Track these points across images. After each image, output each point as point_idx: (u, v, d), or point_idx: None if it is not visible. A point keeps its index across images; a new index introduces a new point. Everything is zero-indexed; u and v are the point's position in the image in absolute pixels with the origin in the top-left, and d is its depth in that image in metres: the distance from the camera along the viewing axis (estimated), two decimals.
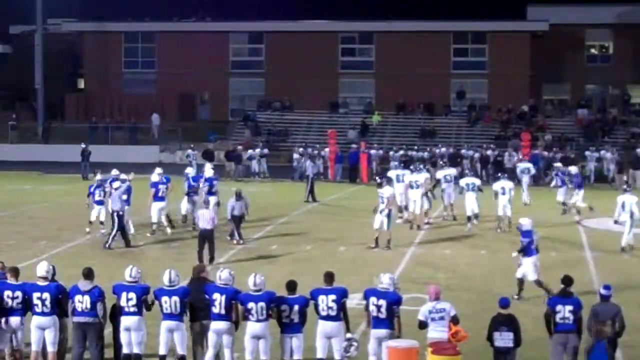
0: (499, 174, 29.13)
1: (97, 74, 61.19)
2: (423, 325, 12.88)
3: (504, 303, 12.67)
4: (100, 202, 25.41)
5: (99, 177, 26.14)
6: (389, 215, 23.69)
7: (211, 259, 21.15)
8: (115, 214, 23.33)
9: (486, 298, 18.05)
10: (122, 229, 23.43)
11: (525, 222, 18.73)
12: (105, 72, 60.75)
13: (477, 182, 27.56)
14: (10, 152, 50.70)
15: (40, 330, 13.11)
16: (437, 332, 12.75)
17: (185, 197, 26.77)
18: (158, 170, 26.03)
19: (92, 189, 25.72)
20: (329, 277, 13.29)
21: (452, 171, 29.93)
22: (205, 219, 21.46)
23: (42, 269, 13.37)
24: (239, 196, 24.38)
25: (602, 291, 13.07)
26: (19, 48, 64.84)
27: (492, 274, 21.08)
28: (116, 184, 24.31)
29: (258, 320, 12.92)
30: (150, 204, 25.45)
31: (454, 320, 12.72)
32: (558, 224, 27.84)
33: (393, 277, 13.27)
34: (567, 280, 13.11)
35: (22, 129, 54.79)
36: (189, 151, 43.92)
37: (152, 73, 61.68)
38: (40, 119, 56.12)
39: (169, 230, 25.47)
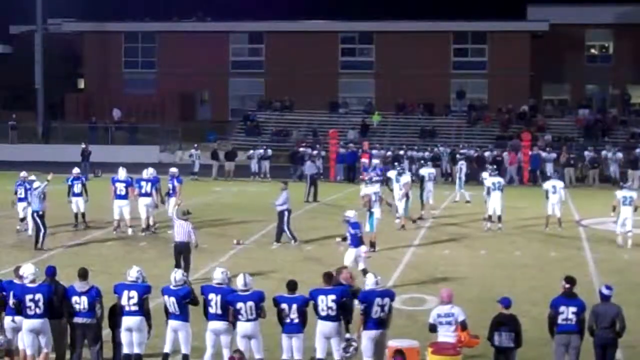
0: (550, 174, 29.59)
1: (97, 74, 61.21)
2: (433, 328, 12.71)
3: (506, 303, 12.63)
4: (22, 199, 25.56)
5: (23, 174, 26.22)
6: (371, 216, 23.49)
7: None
8: (34, 214, 23.24)
9: (486, 298, 18.04)
10: (39, 228, 23.18)
11: (352, 214, 19.26)
12: (105, 72, 60.76)
13: (503, 181, 27.47)
14: (10, 152, 50.64)
15: (32, 333, 12.99)
16: (445, 337, 12.54)
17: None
18: (122, 170, 26.05)
19: (16, 186, 25.89)
20: (328, 277, 13.29)
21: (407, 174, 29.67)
22: (182, 230, 19.36)
23: (29, 271, 13.20)
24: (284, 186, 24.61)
25: (604, 291, 13.03)
26: (19, 48, 64.83)
27: (491, 274, 21.09)
28: (35, 184, 24.06)
29: (247, 320, 12.92)
30: (112, 200, 25.59)
31: (463, 325, 12.51)
32: (556, 224, 27.78)
33: (377, 277, 13.25)
34: (571, 280, 13.02)
35: (22, 129, 54.77)
36: (192, 151, 43.80)
37: (152, 73, 61.69)
38: (40, 119, 56.12)
39: (129, 230, 25.47)
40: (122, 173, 25.83)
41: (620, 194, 24.58)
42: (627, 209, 24.20)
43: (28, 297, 12.91)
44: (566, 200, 27.85)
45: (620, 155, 42.26)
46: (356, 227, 19.11)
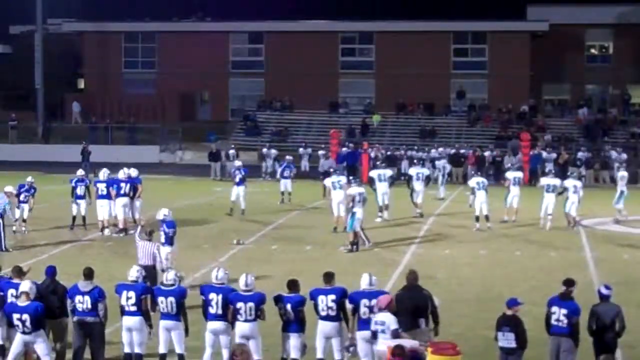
0: (569, 173, 30.10)
1: (97, 74, 61.20)
2: (373, 335, 12.48)
3: (511, 304, 12.61)
4: (23, 202, 25.86)
5: (29, 179, 26.36)
6: (352, 216, 23.33)
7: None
8: None
9: (485, 298, 18.09)
10: None
11: (166, 212, 19.11)
12: (105, 72, 60.75)
13: (486, 181, 27.64)
14: (10, 152, 50.63)
15: (23, 345, 12.74)
16: (382, 345, 12.21)
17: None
18: (105, 170, 26.04)
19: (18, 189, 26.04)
20: (328, 277, 13.29)
21: (388, 172, 29.47)
22: (145, 252, 17.21)
23: (23, 288, 12.95)
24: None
25: (603, 290, 13.03)
26: (19, 48, 64.84)
27: (491, 273, 21.09)
28: None
29: (246, 320, 12.90)
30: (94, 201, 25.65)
31: (394, 334, 12.19)
32: (557, 224, 27.81)
33: (372, 277, 13.17)
34: (568, 282, 13.03)
35: (22, 129, 54.79)
36: (231, 151, 43.62)
37: (152, 73, 61.69)
38: (40, 119, 56.13)
39: (107, 231, 25.41)
40: (103, 174, 25.84)
41: (544, 180, 28.04)
42: (550, 196, 27.15)
43: (15, 315, 12.67)
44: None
45: (624, 156, 42.33)
46: (170, 225, 18.72)
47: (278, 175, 34.31)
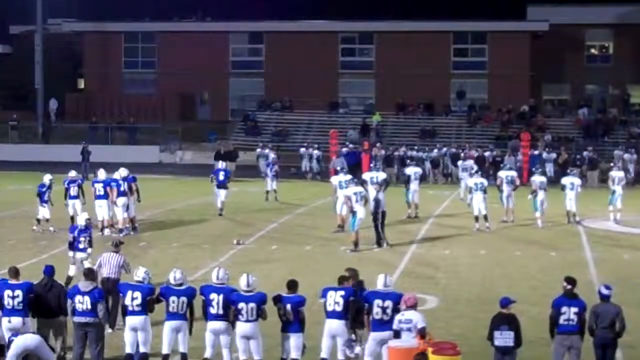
0: (569, 170, 30.63)
1: (97, 74, 61.18)
2: (396, 334, 12.52)
3: (505, 303, 12.63)
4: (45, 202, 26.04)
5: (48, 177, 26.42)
6: (353, 216, 23.38)
7: (112, 325, 15.28)
8: None
9: (486, 298, 18.07)
10: None
11: (86, 216, 18.90)
12: (105, 72, 60.74)
13: (485, 182, 27.63)
14: (11, 152, 50.67)
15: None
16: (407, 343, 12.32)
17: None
18: (102, 170, 26.03)
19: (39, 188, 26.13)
20: (342, 279, 13.37)
21: (382, 175, 29.14)
22: (111, 264, 15.70)
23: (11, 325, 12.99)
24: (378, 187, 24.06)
25: (603, 290, 13.02)
26: (19, 48, 64.80)
27: (491, 273, 21.09)
28: None
29: (247, 321, 12.90)
30: (92, 202, 25.66)
31: (420, 332, 12.23)
32: (557, 224, 27.82)
33: (387, 277, 13.17)
34: (571, 281, 13.00)
35: (22, 129, 54.80)
36: (260, 150, 43.49)
37: (152, 73, 61.66)
38: (40, 119, 56.14)
39: (107, 231, 25.27)
40: (101, 174, 25.85)
41: (538, 179, 28.29)
42: (542, 193, 27.82)
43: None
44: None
45: (635, 156, 42.32)
46: (86, 231, 18.36)
47: (264, 175, 34.37)
